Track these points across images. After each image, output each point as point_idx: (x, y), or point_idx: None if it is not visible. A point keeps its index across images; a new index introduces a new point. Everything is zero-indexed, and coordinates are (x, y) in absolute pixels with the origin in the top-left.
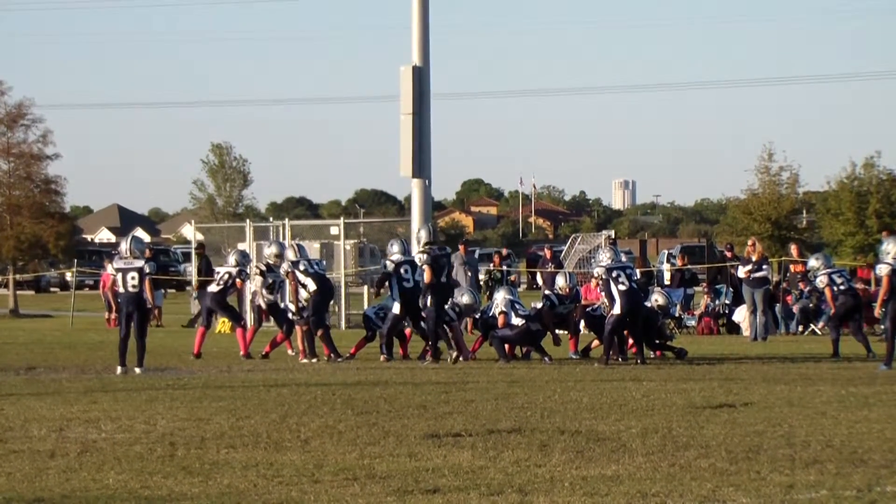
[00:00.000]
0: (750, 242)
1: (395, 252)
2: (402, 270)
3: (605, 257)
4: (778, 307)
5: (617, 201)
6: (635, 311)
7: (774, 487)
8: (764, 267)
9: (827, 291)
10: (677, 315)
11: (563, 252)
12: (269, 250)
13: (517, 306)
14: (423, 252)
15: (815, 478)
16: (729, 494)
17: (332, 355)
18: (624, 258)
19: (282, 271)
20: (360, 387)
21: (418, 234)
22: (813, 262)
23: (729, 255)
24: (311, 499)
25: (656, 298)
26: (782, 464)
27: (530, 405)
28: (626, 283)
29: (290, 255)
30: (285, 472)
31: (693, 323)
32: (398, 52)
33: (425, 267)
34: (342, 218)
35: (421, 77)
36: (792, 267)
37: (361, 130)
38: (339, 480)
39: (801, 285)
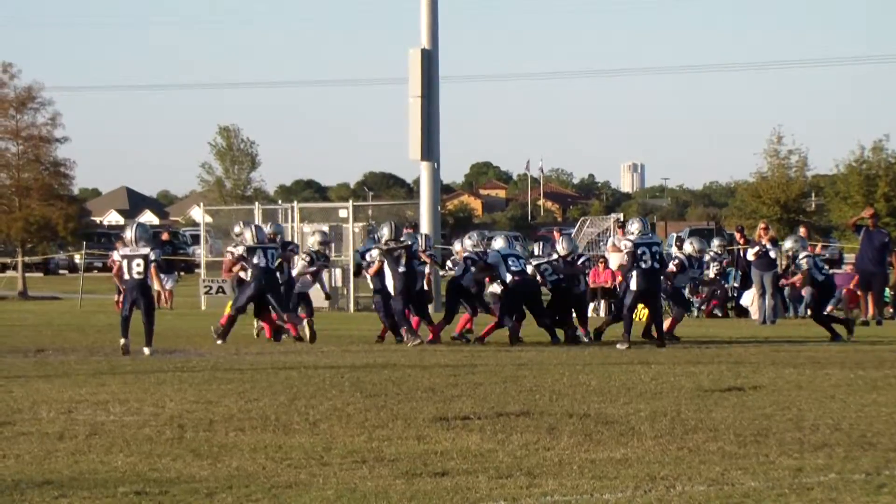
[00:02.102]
0: (762, 226)
1: (385, 236)
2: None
3: (634, 229)
4: (786, 290)
5: (625, 184)
6: (653, 291)
7: (783, 471)
8: (772, 250)
9: (802, 274)
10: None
11: (572, 234)
12: (314, 238)
13: (510, 261)
14: (383, 247)
15: (824, 461)
16: (737, 477)
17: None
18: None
19: (373, 255)
20: (369, 369)
21: (380, 231)
22: (789, 244)
23: (739, 237)
24: (320, 481)
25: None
26: (791, 447)
27: (539, 388)
28: (649, 262)
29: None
30: (294, 455)
31: (700, 307)
32: (407, 35)
33: (375, 262)
34: (351, 201)
35: (430, 60)
36: None
37: (370, 113)
38: (348, 463)
39: None
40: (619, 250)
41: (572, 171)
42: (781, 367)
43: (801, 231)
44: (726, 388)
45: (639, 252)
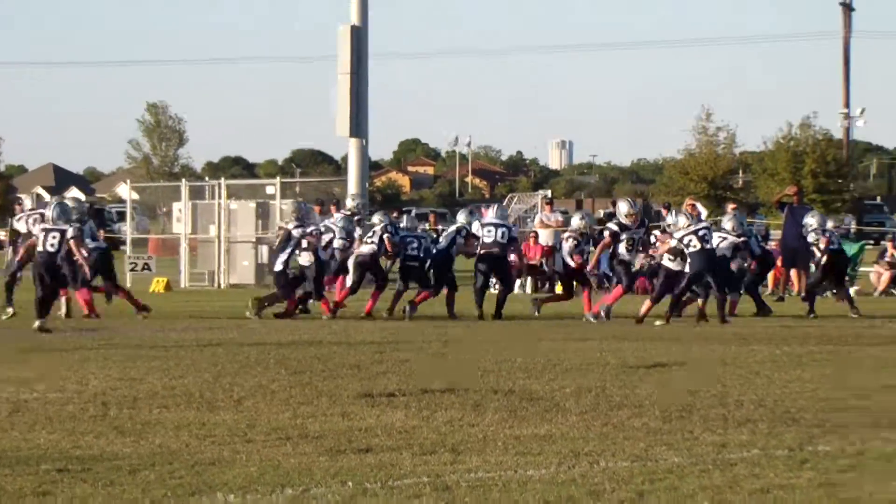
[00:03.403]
0: (689, 202)
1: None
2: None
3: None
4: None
5: (554, 161)
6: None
7: (707, 447)
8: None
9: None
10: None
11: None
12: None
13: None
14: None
15: (748, 437)
16: (661, 453)
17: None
18: (560, 217)
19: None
20: (295, 346)
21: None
22: (682, 220)
23: (666, 213)
24: (244, 458)
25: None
26: (715, 423)
27: (464, 365)
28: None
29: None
30: (218, 432)
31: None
32: (337, 12)
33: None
34: (279, 177)
35: (359, 37)
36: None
37: (299, 90)
38: (272, 440)
39: None
40: (548, 226)
41: (500, 148)
42: (707, 343)
43: (730, 208)
44: (651, 364)
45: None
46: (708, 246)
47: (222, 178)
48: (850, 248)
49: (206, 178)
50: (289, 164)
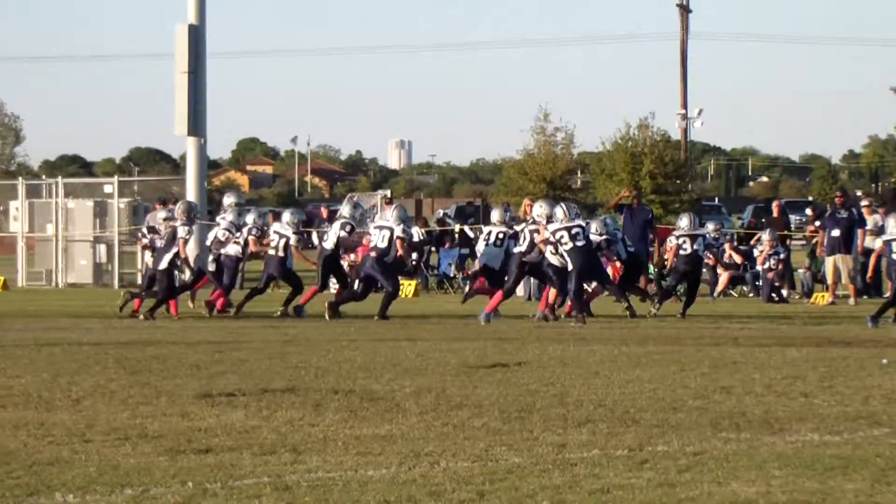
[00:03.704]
0: (527, 202)
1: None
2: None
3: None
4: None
5: (393, 161)
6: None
7: (547, 447)
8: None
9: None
10: (451, 275)
11: (339, 211)
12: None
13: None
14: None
15: (588, 437)
16: (502, 454)
17: None
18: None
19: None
20: (133, 346)
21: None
22: (559, 213)
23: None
24: (83, 458)
25: None
26: (555, 423)
27: (304, 365)
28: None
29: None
30: (56, 432)
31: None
32: (175, 10)
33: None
34: (116, 176)
35: (197, 36)
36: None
37: (137, 88)
38: (111, 440)
39: None
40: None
41: (340, 147)
42: (546, 343)
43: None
44: (491, 364)
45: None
46: (580, 243)
47: (59, 177)
48: None
49: (44, 177)
50: (126, 163)
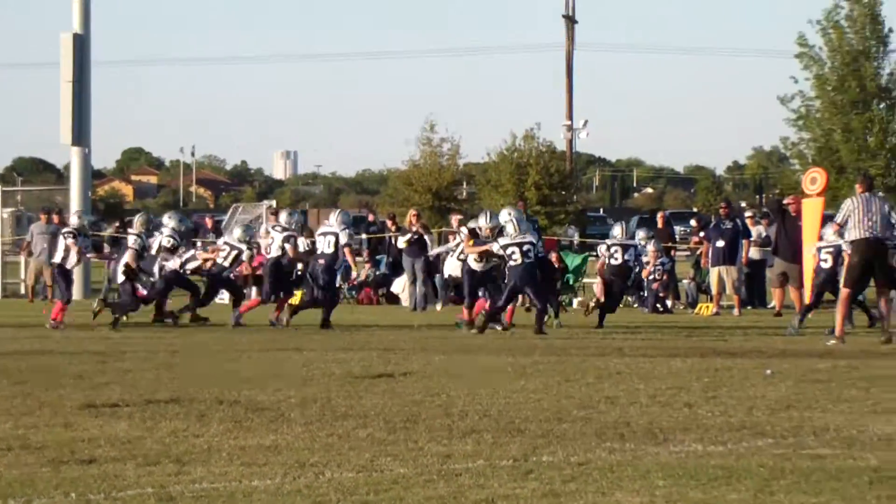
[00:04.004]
0: (413, 213)
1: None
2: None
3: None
4: (438, 278)
5: (278, 171)
6: None
7: (432, 457)
8: (426, 238)
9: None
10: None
11: (224, 221)
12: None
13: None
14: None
15: (473, 447)
16: (387, 464)
17: None
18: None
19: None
20: (16, 356)
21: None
22: (511, 229)
23: (391, 224)
24: None
25: None
26: (440, 433)
27: (189, 375)
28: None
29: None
30: None
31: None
32: (60, 19)
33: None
34: None
35: (82, 45)
36: (451, 237)
37: (20, 97)
38: None
39: None
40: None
41: (225, 157)
42: (431, 353)
43: (454, 220)
44: (376, 374)
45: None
46: (528, 260)
47: None
48: (574, 260)
49: None
50: (10, 173)
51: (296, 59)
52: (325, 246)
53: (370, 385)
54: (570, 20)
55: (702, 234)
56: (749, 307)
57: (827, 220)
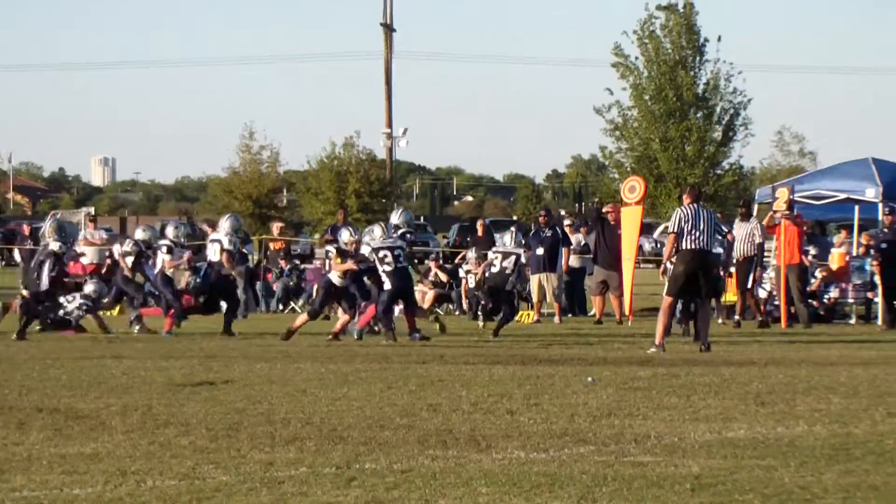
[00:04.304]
0: None
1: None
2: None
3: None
4: (259, 285)
5: (97, 178)
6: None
7: (254, 465)
8: (247, 246)
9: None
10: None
11: (42, 229)
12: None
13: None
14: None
15: (295, 455)
16: (209, 472)
17: None
18: (104, 234)
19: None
20: None
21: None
22: (378, 231)
23: (210, 230)
24: None
25: None
26: (262, 441)
27: (7, 383)
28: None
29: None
30: None
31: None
32: None
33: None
34: None
35: None
36: (272, 245)
37: None
38: None
39: (282, 263)
40: (92, 244)
41: (42, 164)
42: (253, 361)
43: (274, 228)
44: (198, 382)
45: (380, 255)
46: (400, 265)
47: None
48: None
49: None
50: None
51: (113, 66)
52: (211, 254)
53: (192, 393)
54: (389, 28)
55: (522, 242)
56: (569, 315)
57: (645, 228)
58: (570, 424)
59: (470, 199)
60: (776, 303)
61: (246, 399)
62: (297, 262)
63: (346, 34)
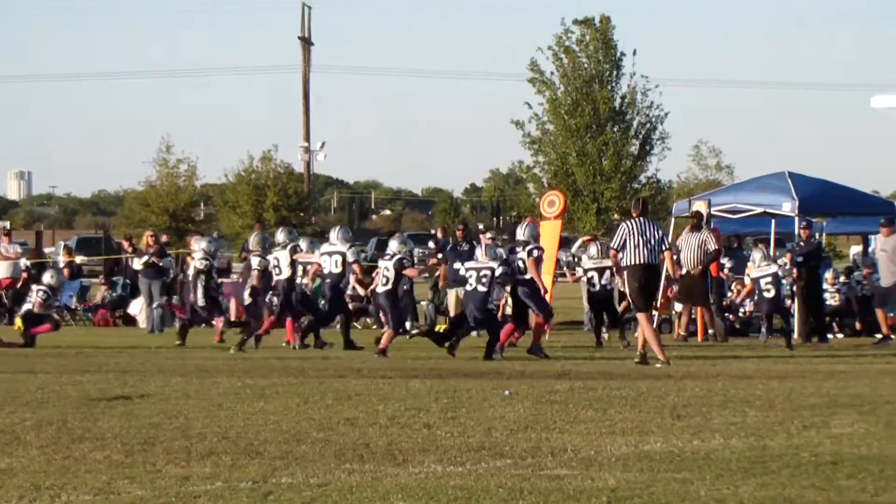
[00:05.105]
0: (149, 234)
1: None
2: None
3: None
4: (175, 299)
5: (12, 192)
6: None
7: (170, 479)
8: (165, 259)
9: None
10: (73, 307)
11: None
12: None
13: None
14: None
15: (211, 469)
16: (124, 487)
17: None
18: (19, 248)
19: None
20: None
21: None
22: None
23: (127, 245)
24: None
25: None
26: (178, 455)
27: None
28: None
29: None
30: None
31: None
32: None
33: None
34: None
35: None
36: (188, 259)
37: None
38: None
39: None
40: (7, 258)
41: None
42: (169, 375)
43: (193, 241)
44: (113, 396)
45: None
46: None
47: None
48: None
49: None
50: None
51: (28, 79)
52: (331, 266)
53: (107, 407)
54: (307, 42)
55: (440, 255)
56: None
57: (564, 242)
58: (487, 438)
59: (388, 212)
60: (693, 316)
61: (162, 413)
62: (215, 275)
63: (265, 48)
